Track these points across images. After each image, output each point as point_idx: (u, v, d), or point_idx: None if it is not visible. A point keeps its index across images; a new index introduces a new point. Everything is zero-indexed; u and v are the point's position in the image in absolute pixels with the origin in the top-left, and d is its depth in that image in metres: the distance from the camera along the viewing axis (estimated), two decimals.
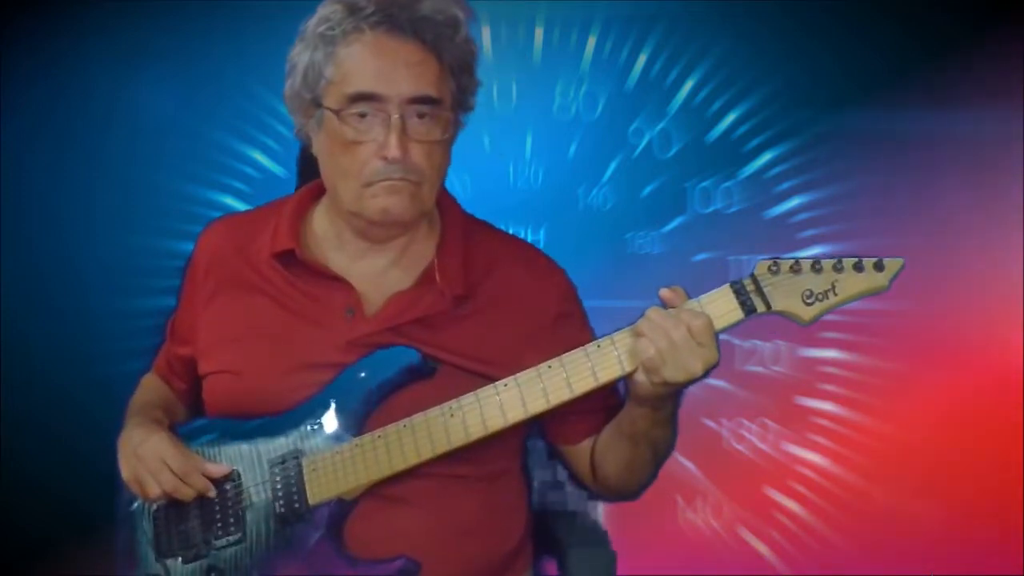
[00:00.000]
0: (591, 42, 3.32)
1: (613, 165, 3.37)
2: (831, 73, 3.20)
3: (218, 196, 3.30)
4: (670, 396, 1.73)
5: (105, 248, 3.26)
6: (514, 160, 3.37)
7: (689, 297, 1.71)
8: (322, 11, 1.77)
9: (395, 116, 1.71)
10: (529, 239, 3.29)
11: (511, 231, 2.01)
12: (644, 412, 1.75)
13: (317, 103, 1.77)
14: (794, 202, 3.30)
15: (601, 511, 2.12)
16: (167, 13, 3.17)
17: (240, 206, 3.26)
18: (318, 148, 1.81)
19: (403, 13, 1.73)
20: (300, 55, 1.77)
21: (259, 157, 3.30)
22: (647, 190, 3.37)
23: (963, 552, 3.16)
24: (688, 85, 3.31)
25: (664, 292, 1.71)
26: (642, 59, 3.32)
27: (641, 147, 3.36)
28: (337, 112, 1.74)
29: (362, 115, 1.73)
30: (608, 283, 3.23)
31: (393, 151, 1.71)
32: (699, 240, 3.32)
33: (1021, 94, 3.09)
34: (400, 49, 1.73)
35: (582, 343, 1.73)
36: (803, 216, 3.30)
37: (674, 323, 1.66)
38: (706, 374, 1.67)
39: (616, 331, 1.72)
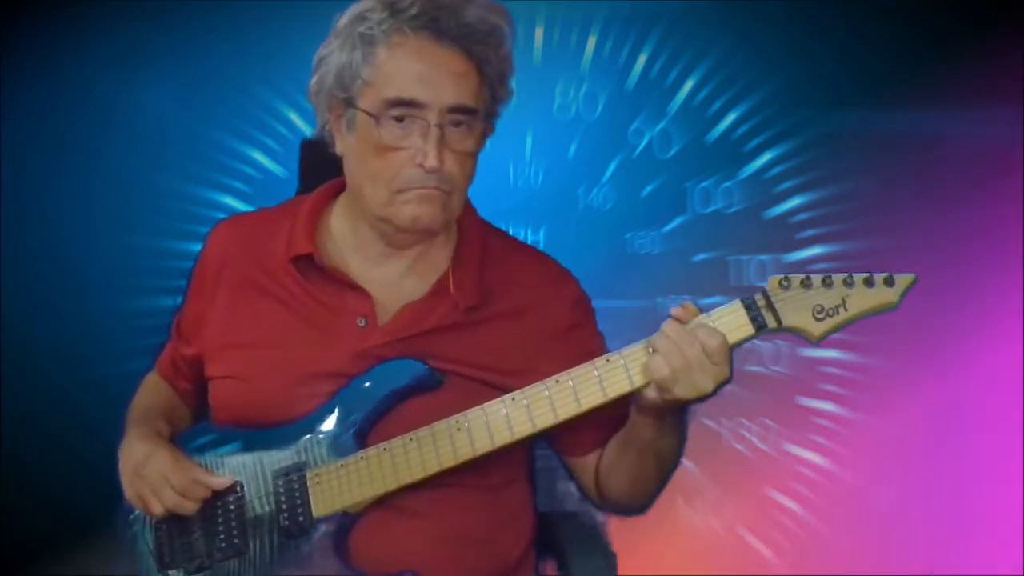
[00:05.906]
0: (591, 42, 3.32)
1: (613, 165, 3.37)
2: (831, 73, 3.20)
3: (218, 196, 3.30)
4: (677, 408, 1.72)
5: (105, 248, 3.25)
6: (514, 160, 3.37)
7: (699, 309, 1.69)
8: (358, 8, 1.73)
9: (434, 125, 1.69)
10: (529, 239, 3.29)
11: (511, 231, 1.99)
12: (649, 422, 1.74)
13: (351, 103, 1.73)
14: (794, 202, 3.30)
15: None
16: (167, 13, 3.16)
17: (240, 206, 3.26)
18: (345, 148, 1.78)
19: (449, 19, 1.70)
20: (334, 52, 1.73)
21: (259, 157, 3.30)
22: (647, 190, 3.36)
23: (963, 552, 3.16)
24: (688, 85, 3.31)
25: (675, 310, 1.69)
26: (642, 59, 3.32)
27: (641, 147, 3.36)
28: (374, 115, 1.71)
29: (399, 120, 1.70)
30: (608, 283, 3.22)
31: (431, 161, 1.68)
32: (699, 240, 3.31)
33: (1021, 94, 3.09)
34: (444, 56, 1.70)
35: (593, 353, 1.72)
36: (803, 216, 3.30)
37: (689, 341, 1.64)
38: (717, 391, 1.66)
39: (627, 346, 1.69)
